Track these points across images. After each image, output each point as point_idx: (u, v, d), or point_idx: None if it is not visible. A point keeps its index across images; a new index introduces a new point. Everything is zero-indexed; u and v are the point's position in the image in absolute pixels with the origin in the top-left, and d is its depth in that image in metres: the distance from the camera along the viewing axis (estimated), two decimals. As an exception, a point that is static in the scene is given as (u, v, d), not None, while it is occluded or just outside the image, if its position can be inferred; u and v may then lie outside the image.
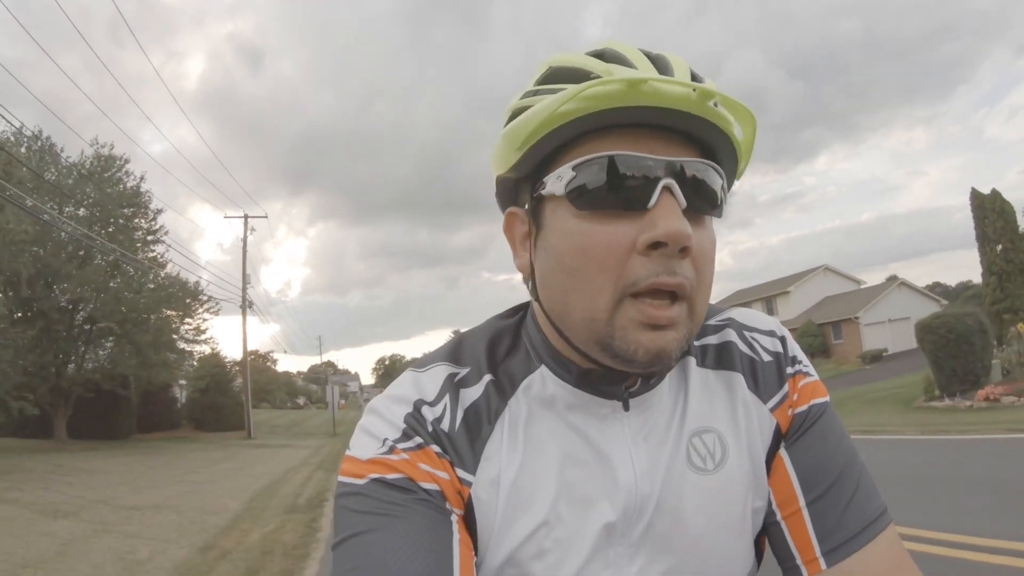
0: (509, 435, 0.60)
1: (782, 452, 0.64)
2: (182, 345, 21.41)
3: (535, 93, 0.57)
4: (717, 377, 0.66)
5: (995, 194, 26.63)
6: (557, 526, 0.58)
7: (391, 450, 0.56)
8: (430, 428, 0.58)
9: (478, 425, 0.60)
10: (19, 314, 14.88)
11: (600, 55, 0.55)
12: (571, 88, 0.51)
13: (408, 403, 0.60)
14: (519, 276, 0.64)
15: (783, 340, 0.69)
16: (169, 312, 20.19)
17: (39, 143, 17.22)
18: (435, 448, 0.58)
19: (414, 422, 0.58)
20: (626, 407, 0.62)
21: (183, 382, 23.75)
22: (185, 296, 20.56)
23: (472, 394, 0.61)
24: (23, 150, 16.88)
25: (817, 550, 0.60)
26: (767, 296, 39.55)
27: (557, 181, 0.55)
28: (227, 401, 25.03)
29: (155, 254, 19.98)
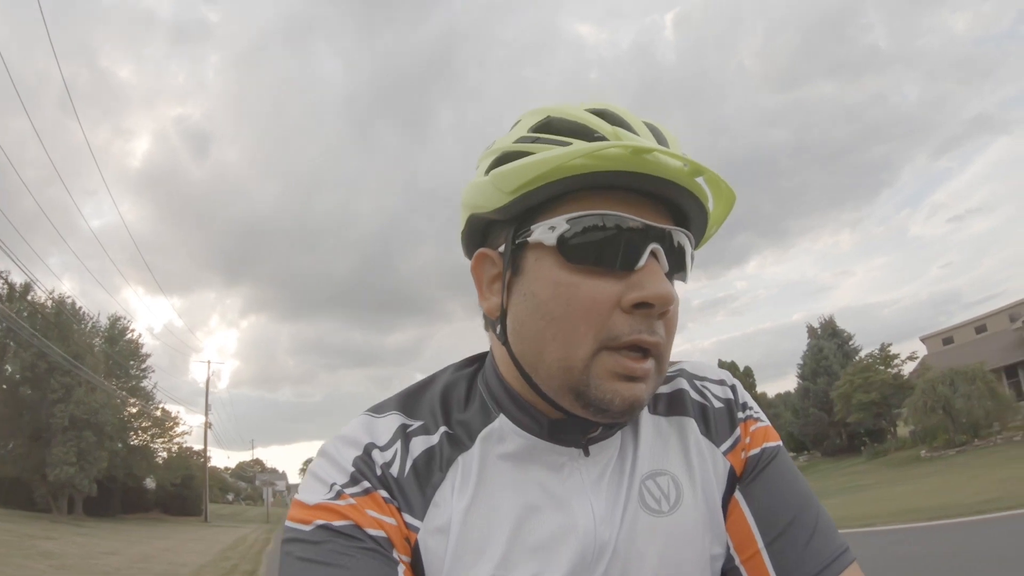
0: (461, 483, 0.59)
1: (737, 495, 0.64)
2: (164, 455, 32.24)
3: (534, 140, 0.56)
4: (669, 423, 0.67)
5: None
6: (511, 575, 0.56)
7: (338, 495, 0.56)
8: (379, 472, 0.58)
9: (429, 472, 0.59)
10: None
11: (601, 114, 0.56)
12: (583, 144, 0.53)
13: (359, 446, 0.59)
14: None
15: (733, 388, 0.70)
16: (157, 434, 31.15)
17: (71, 310, 27.22)
18: (383, 493, 0.57)
19: (363, 466, 0.58)
20: (586, 452, 0.62)
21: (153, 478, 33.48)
22: (167, 421, 31.63)
23: (424, 444, 0.61)
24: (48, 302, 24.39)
25: None
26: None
27: (548, 231, 0.55)
28: (189, 493, 34.59)
29: (144, 387, 30.81)
